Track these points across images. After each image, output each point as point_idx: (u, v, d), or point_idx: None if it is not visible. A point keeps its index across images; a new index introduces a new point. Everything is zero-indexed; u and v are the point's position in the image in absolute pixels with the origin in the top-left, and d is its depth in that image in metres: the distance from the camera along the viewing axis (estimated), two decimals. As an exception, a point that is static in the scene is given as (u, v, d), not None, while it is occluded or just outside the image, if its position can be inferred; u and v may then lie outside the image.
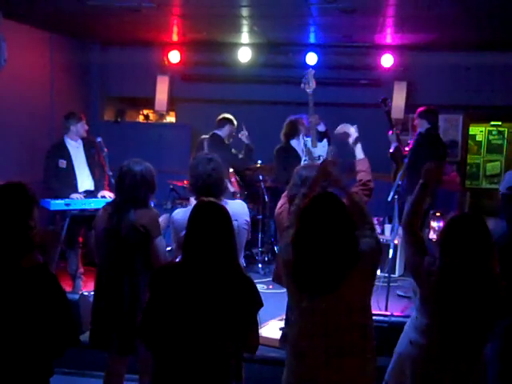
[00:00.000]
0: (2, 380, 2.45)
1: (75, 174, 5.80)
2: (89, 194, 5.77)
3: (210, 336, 2.50)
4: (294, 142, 6.32)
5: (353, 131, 4.04)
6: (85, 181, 5.86)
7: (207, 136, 6.78)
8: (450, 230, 2.78)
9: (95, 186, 5.88)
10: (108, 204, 3.68)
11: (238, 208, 3.60)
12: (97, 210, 5.97)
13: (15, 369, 2.45)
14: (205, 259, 2.53)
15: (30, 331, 2.45)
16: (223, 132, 6.83)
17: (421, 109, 6.19)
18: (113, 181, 5.38)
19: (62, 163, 5.74)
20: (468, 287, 2.68)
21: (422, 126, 6.12)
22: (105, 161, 5.80)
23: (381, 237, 6.24)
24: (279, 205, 3.70)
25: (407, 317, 4.81)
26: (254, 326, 2.67)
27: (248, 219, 3.61)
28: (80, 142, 5.91)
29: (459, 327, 2.71)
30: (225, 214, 2.65)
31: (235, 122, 6.90)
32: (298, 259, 2.61)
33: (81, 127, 5.88)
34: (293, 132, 6.29)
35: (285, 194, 3.75)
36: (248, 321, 2.61)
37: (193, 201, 3.83)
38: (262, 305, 2.66)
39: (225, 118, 6.91)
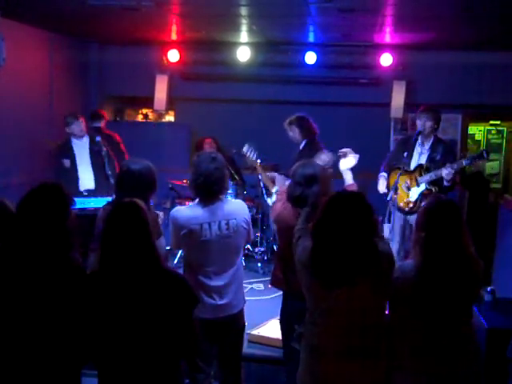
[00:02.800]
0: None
1: (77, 173, 5.85)
2: (90, 194, 5.79)
3: (145, 341, 2.44)
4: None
5: (354, 159, 4.02)
6: (87, 180, 5.90)
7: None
8: (427, 212, 2.83)
9: (96, 185, 5.91)
10: (108, 204, 3.67)
11: (237, 207, 3.60)
12: (96, 209, 5.98)
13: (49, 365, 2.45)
14: (123, 263, 2.46)
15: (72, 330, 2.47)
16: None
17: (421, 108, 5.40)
18: (111, 180, 5.39)
19: (66, 163, 5.81)
20: (447, 270, 2.68)
21: (430, 133, 5.30)
22: (104, 160, 5.81)
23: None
24: (279, 204, 3.70)
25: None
26: (189, 326, 2.57)
27: (247, 218, 3.60)
28: (86, 140, 5.95)
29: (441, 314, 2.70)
30: (139, 214, 2.55)
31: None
32: (317, 248, 2.66)
33: (75, 128, 5.91)
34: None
35: (279, 192, 3.75)
36: (183, 321, 2.52)
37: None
38: (196, 302, 2.59)
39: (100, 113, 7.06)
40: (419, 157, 5.32)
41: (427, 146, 5.31)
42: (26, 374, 2.43)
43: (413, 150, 5.30)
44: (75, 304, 2.46)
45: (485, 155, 4.84)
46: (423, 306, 2.69)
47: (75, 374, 2.57)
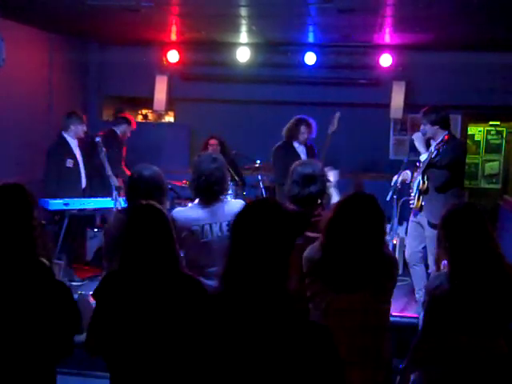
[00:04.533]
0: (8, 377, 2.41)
1: (80, 174, 5.87)
2: (85, 193, 5.82)
3: (159, 342, 2.43)
4: (296, 143, 6.29)
5: (332, 176, 3.99)
6: (83, 180, 5.92)
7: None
8: (446, 219, 2.75)
9: (89, 186, 5.93)
10: (120, 211, 3.62)
11: (237, 207, 3.59)
12: (96, 209, 5.96)
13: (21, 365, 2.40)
14: (143, 265, 2.45)
15: (38, 329, 2.42)
16: (119, 129, 6.89)
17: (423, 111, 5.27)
18: (112, 182, 5.38)
19: (70, 162, 5.79)
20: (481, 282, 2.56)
21: (435, 133, 5.16)
22: (103, 161, 5.80)
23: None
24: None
25: (406, 317, 4.84)
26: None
27: (247, 219, 3.60)
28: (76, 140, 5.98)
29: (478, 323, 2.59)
30: (162, 217, 2.56)
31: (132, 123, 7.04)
32: (328, 255, 2.63)
33: (81, 129, 5.93)
34: (295, 132, 6.25)
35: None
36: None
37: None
38: None
39: (123, 118, 7.07)
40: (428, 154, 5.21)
41: (435, 143, 5.17)
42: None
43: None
44: (38, 302, 2.42)
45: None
46: (459, 315, 2.59)
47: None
